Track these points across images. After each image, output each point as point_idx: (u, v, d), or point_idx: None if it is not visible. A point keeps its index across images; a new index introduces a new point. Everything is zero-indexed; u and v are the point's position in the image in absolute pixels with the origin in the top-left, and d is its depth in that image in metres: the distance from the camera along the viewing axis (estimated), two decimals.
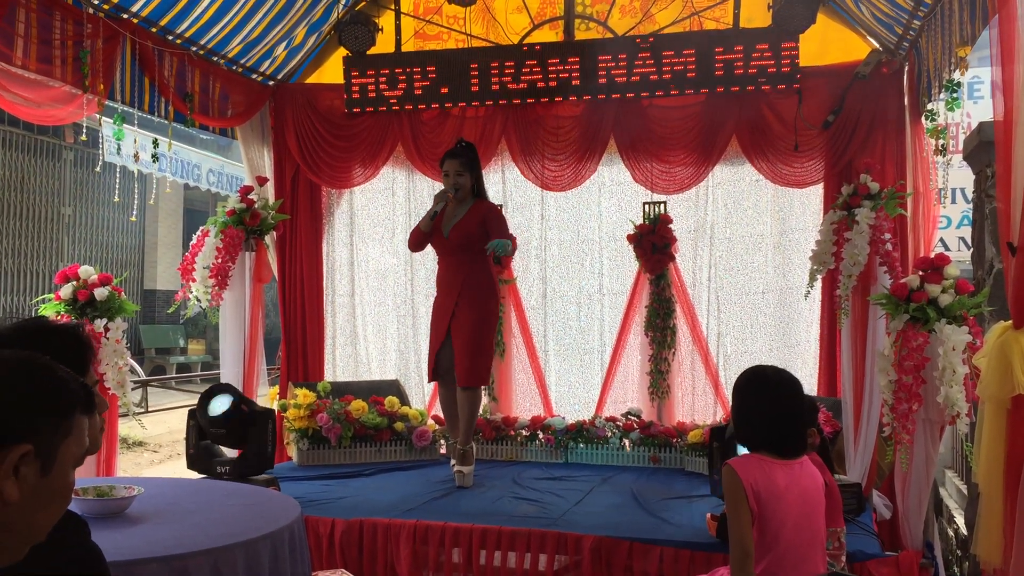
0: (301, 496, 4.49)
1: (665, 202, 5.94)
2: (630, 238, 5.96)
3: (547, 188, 6.14)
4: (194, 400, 4.73)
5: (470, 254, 5.11)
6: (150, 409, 10.64)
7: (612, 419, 5.88)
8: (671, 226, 5.89)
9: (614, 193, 6.23)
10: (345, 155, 6.31)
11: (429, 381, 5.51)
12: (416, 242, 5.21)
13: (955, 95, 4.32)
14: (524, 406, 6.21)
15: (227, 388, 4.67)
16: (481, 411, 5.91)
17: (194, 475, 4.58)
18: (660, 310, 5.90)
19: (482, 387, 5.28)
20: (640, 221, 5.94)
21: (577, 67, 5.80)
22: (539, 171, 6.06)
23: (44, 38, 4.40)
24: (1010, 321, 2.92)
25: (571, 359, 6.39)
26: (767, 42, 5.50)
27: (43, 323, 1.93)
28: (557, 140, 6.01)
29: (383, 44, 6.11)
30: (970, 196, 5.60)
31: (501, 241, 4.88)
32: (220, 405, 4.50)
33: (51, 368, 1.41)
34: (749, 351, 5.94)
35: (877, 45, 5.50)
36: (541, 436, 5.92)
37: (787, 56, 5.48)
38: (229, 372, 5.79)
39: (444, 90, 6.00)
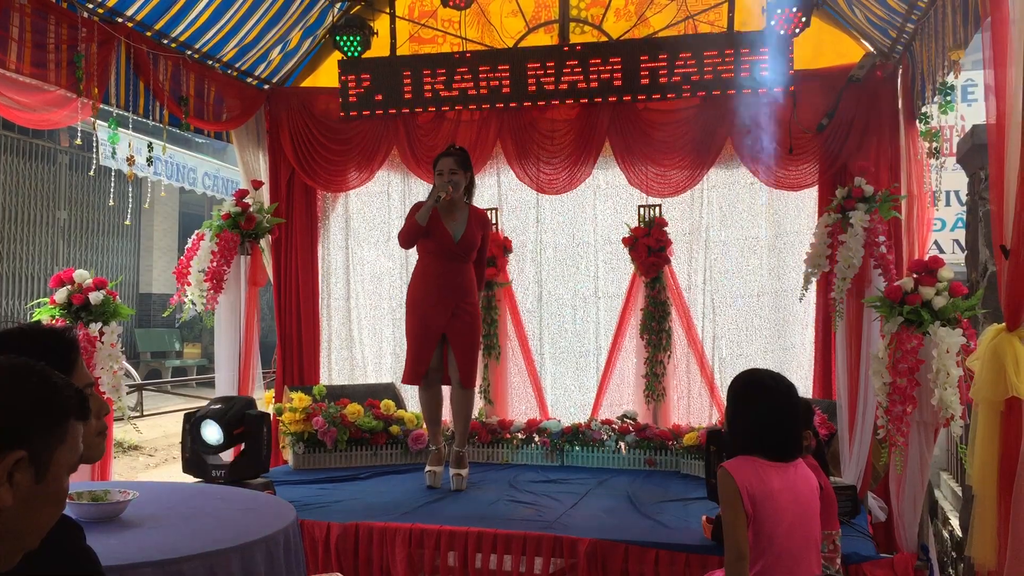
0: (297, 500, 4.50)
1: (660, 205, 5.95)
2: (625, 241, 5.97)
3: (542, 191, 6.15)
4: (190, 404, 4.73)
5: (469, 261, 5.14)
6: (146, 413, 10.62)
7: (608, 422, 5.88)
8: (666, 229, 5.90)
9: (609, 196, 6.24)
10: (340, 159, 6.32)
11: (409, 383, 5.25)
12: (411, 238, 5.09)
13: (948, 98, 4.34)
14: (520, 409, 6.21)
15: (210, 413, 4.55)
16: (477, 414, 5.92)
17: (190, 479, 4.57)
18: (655, 313, 5.91)
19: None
20: (635, 224, 5.95)
21: (572, 71, 5.81)
22: (534, 174, 6.07)
23: (38, 42, 4.40)
24: (1003, 324, 2.93)
25: (566, 362, 6.40)
26: (761, 45, 5.52)
27: (26, 327, 1.93)
28: (552, 143, 6.02)
29: (378, 48, 6.12)
30: (964, 199, 5.61)
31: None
32: (213, 435, 4.47)
33: (45, 374, 1.41)
34: (744, 354, 5.95)
35: (871, 48, 5.52)
36: (537, 439, 5.92)
37: (781, 60, 5.49)
38: (224, 376, 5.79)
39: (439, 94, 6.00)
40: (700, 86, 5.66)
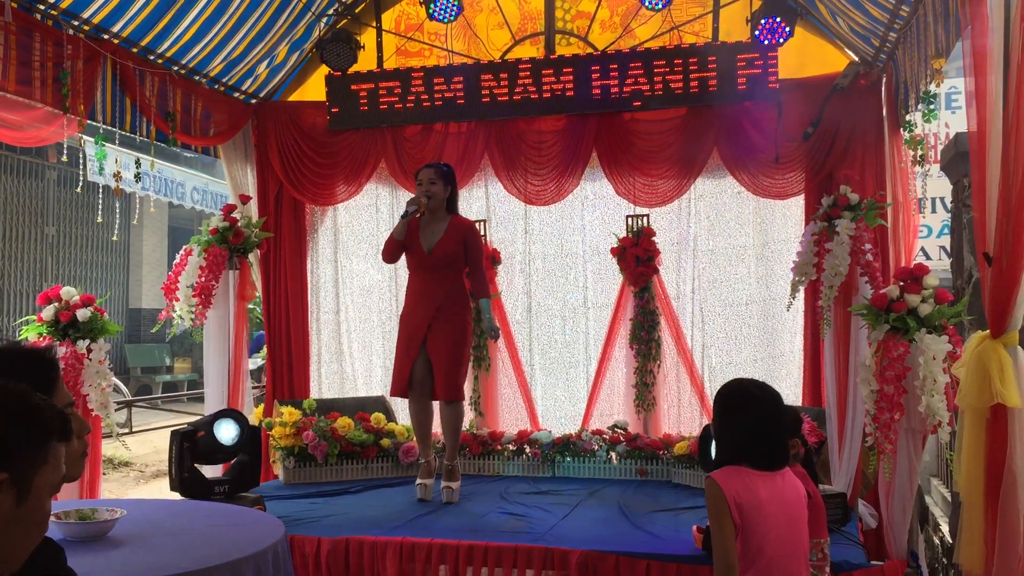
0: (287, 515, 4.49)
1: (648, 215, 5.97)
2: (614, 251, 5.98)
3: (530, 203, 6.16)
4: (180, 419, 4.72)
5: (450, 272, 5.12)
6: (135, 429, 10.57)
7: (598, 432, 5.88)
8: (654, 239, 5.92)
9: (597, 207, 6.26)
10: (328, 172, 6.32)
11: (397, 395, 5.26)
12: (391, 252, 5.13)
13: (931, 106, 4.37)
14: (510, 420, 6.21)
15: (230, 413, 4.63)
16: (467, 426, 5.91)
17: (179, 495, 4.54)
18: (645, 323, 5.92)
19: (464, 401, 5.26)
20: (623, 234, 5.97)
21: (558, 82, 5.83)
22: (522, 186, 6.08)
23: (24, 59, 4.39)
24: (988, 331, 2.94)
25: (557, 373, 6.40)
26: (746, 55, 5.55)
27: (4, 348, 1.92)
28: (539, 155, 6.03)
29: (365, 61, 6.13)
30: (949, 205, 5.64)
31: (493, 327, 5.18)
32: (229, 432, 4.47)
33: (26, 395, 1.40)
34: (734, 362, 5.96)
35: (855, 57, 5.56)
36: (528, 450, 5.91)
37: (766, 69, 5.52)
38: (213, 390, 5.77)
39: (426, 106, 6.02)
40: (686, 96, 5.69)
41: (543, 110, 5.92)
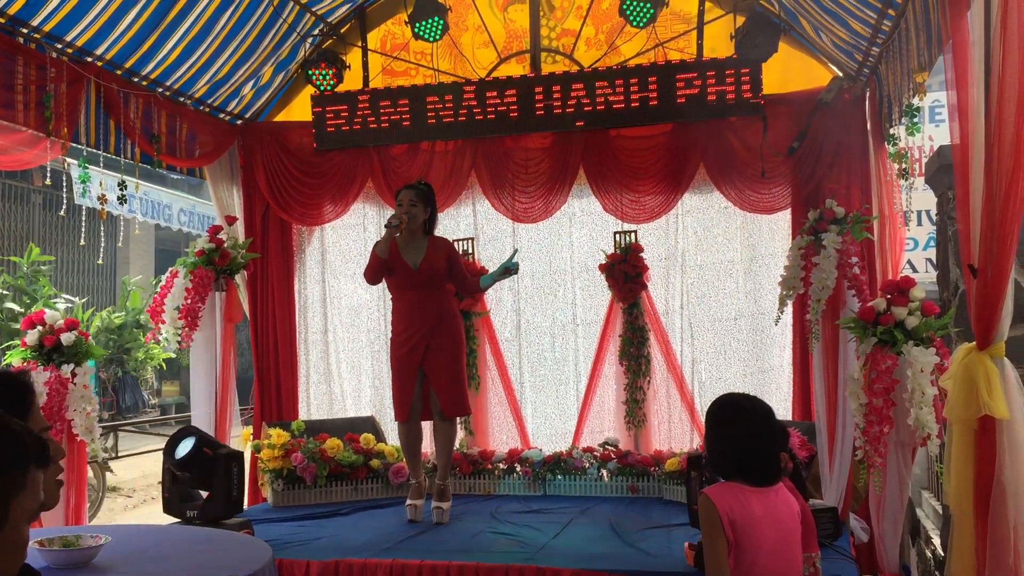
0: (276, 538, 4.45)
1: (636, 231, 5.98)
2: (602, 268, 5.98)
3: (518, 220, 6.16)
4: None
5: (439, 289, 5.11)
6: (122, 454, 10.48)
7: (589, 449, 5.86)
8: (642, 255, 5.92)
9: (585, 223, 6.26)
10: (315, 192, 6.31)
11: (404, 420, 5.16)
12: (375, 271, 5.11)
13: (915, 120, 4.39)
14: (501, 439, 6.18)
15: (192, 431, 4.63)
16: (458, 445, 5.88)
17: (168, 520, 4.51)
18: (634, 339, 5.91)
19: (470, 415, 5.25)
20: (611, 251, 5.97)
21: (545, 100, 5.85)
22: (510, 204, 6.08)
23: (6, 83, 4.38)
24: (974, 343, 2.94)
25: (547, 390, 6.38)
26: (731, 71, 5.58)
27: None
28: (527, 172, 6.04)
29: (351, 81, 6.13)
30: (935, 218, 5.67)
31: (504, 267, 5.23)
32: (183, 448, 4.46)
33: (3, 421, 1.38)
34: (723, 377, 5.95)
35: (838, 72, 5.59)
36: (519, 469, 5.89)
37: (751, 85, 5.55)
38: (201, 413, 5.73)
39: (413, 125, 6.03)
40: (671, 112, 5.71)
41: (529, 128, 5.94)
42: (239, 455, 4.57)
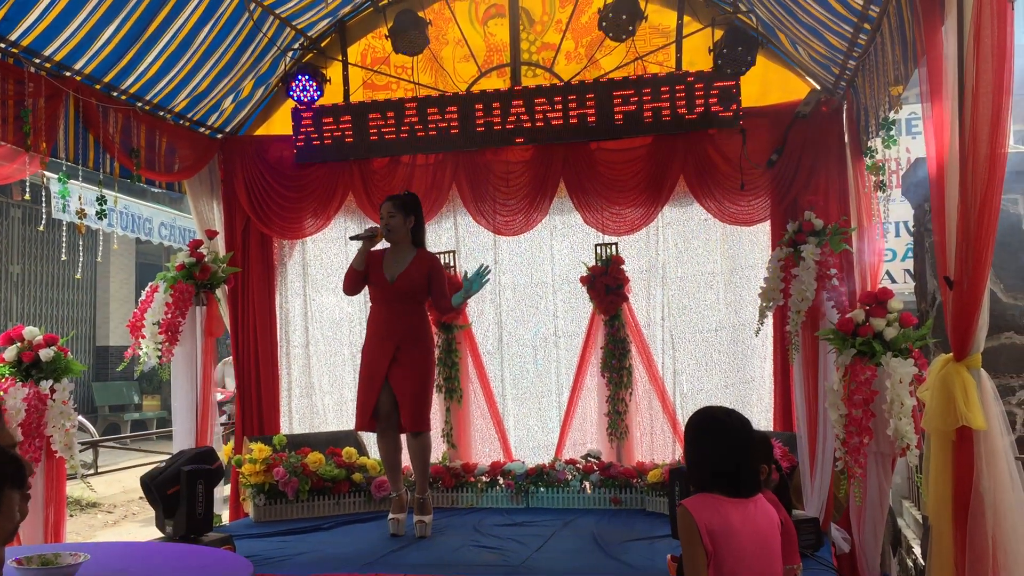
0: (257, 554, 4.43)
1: (616, 243, 6.00)
2: (583, 280, 6.00)
3: (499, 233, 6.17)
4: (150, 458, 4.63)
5: (413, 303, 5.10)
6: (102, 469, 10.39)
7: (572, 461, 5.86)
8: (623, 267, 5.95)
9: (566, 236, 6.28)
10: (296, 205, 6.30)
11: (362, 429, 5.26)
12: (352, 283, 5.14)
13: (891, 132, 4.43)
14: (483, 452, 6.17)
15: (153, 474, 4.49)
16: (440, 458, 5.87)
17: (147, 537, 4.47)
18: (616, 351, 5.93)
19: (430, 431, 5.21)
20: (592, 263, 5.99)
21: (525, 113, 5.87)
22: (491, 216, 6.09)
23: None
24: (951, 354, 2.97)
25: (529, 403, 6.38)
26: (709, 84, 5.62)
27: None
28: (507, 185, 6.06)
29: (331, 95, 6.14)
30: (912, 229, 5.72)
31: (471, 283, 5.14)
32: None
33: None
34: (705, 388, 5.97)
35: (816, 85, 5.65)
36: (501, 481, 5.88)
37: (730, 98, 5.60)
38: (182, 428, 5.70)
39: (393, 138, 6.03)
40: (651, 125, 5.75)
41: (510, 141, 5.96)
42: (206, 472, 4.41)
